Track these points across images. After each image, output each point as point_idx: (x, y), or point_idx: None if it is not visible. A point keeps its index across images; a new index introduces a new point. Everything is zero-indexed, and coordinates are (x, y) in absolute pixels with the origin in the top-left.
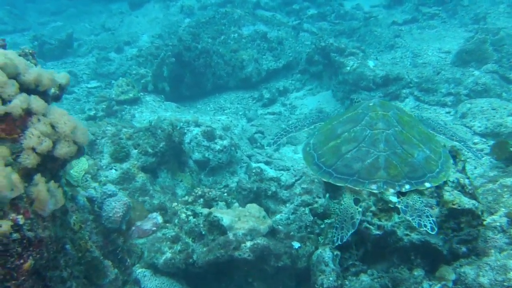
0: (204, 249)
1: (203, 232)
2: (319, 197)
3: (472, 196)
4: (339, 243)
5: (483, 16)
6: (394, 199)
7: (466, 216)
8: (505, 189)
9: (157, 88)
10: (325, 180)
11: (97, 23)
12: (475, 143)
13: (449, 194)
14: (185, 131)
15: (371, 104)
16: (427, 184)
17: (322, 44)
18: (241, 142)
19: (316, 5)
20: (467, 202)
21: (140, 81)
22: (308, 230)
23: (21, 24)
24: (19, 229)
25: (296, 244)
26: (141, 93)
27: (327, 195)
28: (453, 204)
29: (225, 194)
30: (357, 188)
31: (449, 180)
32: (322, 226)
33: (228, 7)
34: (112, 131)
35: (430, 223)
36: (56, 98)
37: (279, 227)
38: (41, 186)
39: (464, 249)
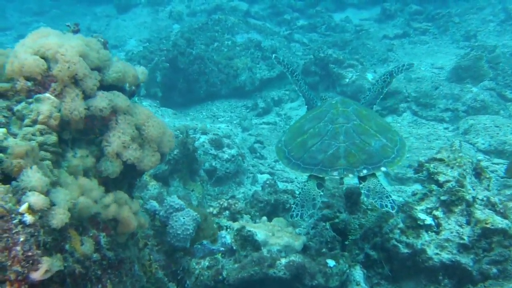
0: (236, 265)
1: (234, 247)
2: (340, 212)
3: (504, 215)
4: (298, 218)
5: (474, 33)
6: (423, 216)
7: (498, 235)
8: None
9: (149, 93)
10: (294, 170)
11: (82, 25)
12: (479, 160)
13: (480, 213)
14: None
15: (333, 102)
16: (383, 168)
17: (321, 54)
18: (244, 151)
19: (306, 16)
20: (500, 221)
21: None
22: (329, 246)
23: (3, 23)
24: (99, 248)
25: (331, 262)
26: (137, 98)
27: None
28: (486, 223)
29: (249, 206)
30: (321, 176)
31: (478, 198)
32: (346, 243)
33: (219, 14)
34: None
35: (390, 202)
36: (132, 95)
37: (310, 243)
38: (127, 209)
39: (494, 270)
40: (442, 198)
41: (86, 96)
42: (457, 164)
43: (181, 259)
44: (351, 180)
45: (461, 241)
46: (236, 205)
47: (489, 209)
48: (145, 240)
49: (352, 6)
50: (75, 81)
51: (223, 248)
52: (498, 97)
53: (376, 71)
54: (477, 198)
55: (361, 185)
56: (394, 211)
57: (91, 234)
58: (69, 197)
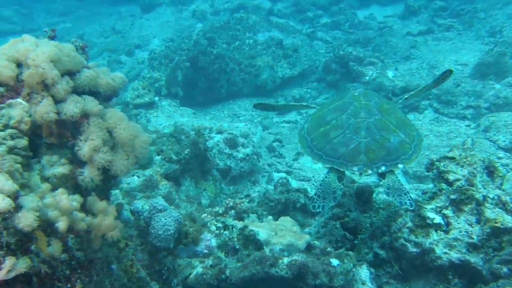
0: (238, 264)
1: (237, 247)
2: (351, 211)
3: None
4: (320, 210)
5: (499, 29)
6: (432, 215)
7: (509, 235)
8: None
9: (171, 93)
10: (316, 161)
11: (107, 25)
12: (499, 158)
13: (490, 212)
14: (206, 137)
15: (356, 94)
16: (400, 165)
17: (341, 52)
18: (260, 150)
19: (329, 13)
20: (509, 221)
21: (154, 85)
22: (339, 245)
23: (30, 24)
24: (67, 249)
25: (335, 262)
26: (157, 97)
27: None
28: (496, 222)
29: (255, 204)
30: (341, 169)
31: (489, 197)
32: (356, 241)
33: (242, 13)
34: None
35: (409, 199)
36: (107, 99)
37: (315, 242)
38: (108, 217)
39: (505, 269)
40: (452, 197)
41: (58, 101)
42: (467, 162)
43: (164, 259)
44: (364, 179)
45: (470, 240)
46: (242, 204)
47: (500, 208)
48: (126, 240)
49: (376, 3)
50: (46, 85)
51: (206, 251)
52: None
53: (397, 68)
54: (488, 197)
55: (381, 183)
56: (412, 208)
57: (59, 236)
58: (37, 203)
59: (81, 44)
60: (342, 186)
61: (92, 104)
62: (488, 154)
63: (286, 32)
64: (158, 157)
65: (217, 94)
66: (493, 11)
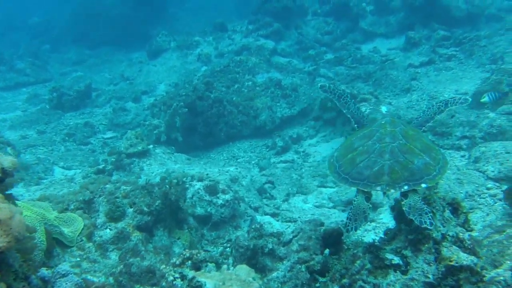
0: None
1: None
2: (316, 254)
3: (472, 252)
4: (354, 231)
5: (500, 56)
6: (390, 256)
7: (465, 272)
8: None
9: (170, 139)
10: (342, 184)
11: (116, 72)
12: (488, 188)
13: (446, 250)
14: (187, 185)
15: (382, 122)
16: (423, 185)
17: None
18: (249, 193)
19: (333, 49)
20: (465, 258)
21: (153, 132)
22: None
23: (43, 75)
24: None
25: None
26: (151, 145)
27: (327, 251)
28: (450, 261)
29: (228, 249)
30: (366, 190)
31: (448, 235)
32: (317, 285)
33: (243, 55)
34: (109, 189)
35: (429, 219)
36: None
37: None
38: None
39: None
40: (409, 237)
41: None
42: (426, 201)
43: None
44: (337, 219)
45: (427, 280)
46: (198, 255)
47: (457, 246)
48: None
49: (381, 36)
50: None
51: None
52: None
53: (392, 103)
54: (448, 235)
55: (402, 202)
56: (431, 228)
57: None
58: None
59: None
60: (370, 205)
61: None
62: (477, 185)
63: (286, 72)
64: (131, 210)
65: (216, 138)
66: (496, 37)
